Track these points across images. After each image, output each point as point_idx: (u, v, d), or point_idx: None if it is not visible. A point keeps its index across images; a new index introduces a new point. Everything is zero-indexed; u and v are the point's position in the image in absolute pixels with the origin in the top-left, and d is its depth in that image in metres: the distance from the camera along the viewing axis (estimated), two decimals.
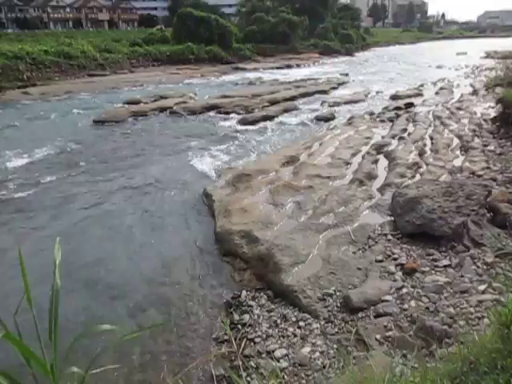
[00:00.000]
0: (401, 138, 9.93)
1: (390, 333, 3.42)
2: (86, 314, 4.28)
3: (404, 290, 3.95)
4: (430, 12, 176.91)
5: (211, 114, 14.99)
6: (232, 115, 14.42)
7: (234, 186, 7.24)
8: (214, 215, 6.25)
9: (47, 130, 12.83)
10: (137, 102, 16.70)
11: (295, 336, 3.66)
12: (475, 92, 17.28)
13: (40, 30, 56.71)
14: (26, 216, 6.70)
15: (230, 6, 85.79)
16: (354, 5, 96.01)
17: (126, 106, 16.18)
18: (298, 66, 37.55)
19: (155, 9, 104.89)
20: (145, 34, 41.74)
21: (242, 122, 13.22)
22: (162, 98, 17.72)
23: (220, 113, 14.94)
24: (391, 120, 12.28)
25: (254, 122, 13.17)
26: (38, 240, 5.83)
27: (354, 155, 8.72)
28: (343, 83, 23.38)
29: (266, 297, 4.36)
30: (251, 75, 28.80)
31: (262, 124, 13.11)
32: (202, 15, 39.04)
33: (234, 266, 5.09)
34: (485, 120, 11.24)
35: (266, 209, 6.14)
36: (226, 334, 3.87)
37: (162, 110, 15.55)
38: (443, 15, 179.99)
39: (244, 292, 4.48)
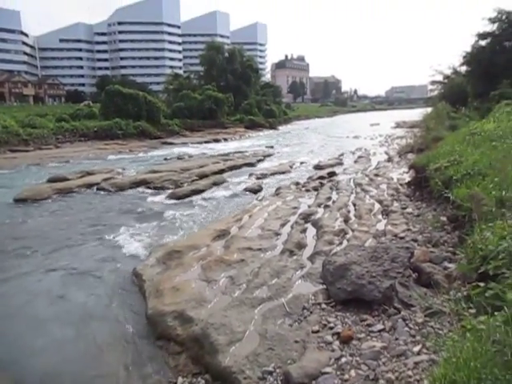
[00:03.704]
0: (326, 206, 10.35)
1: None
2: None
3: (343, 360, 3.92)
4: (344, 88, 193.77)
5: (140, 189, 14.82)
6: (161, 190, 14.35)
7: (164, 263, 7.04)
8: (145, 296, 5.98)
9: None
10: (62, 179, 16.12)
11: None
12: (390, 159, 18.71)
13: None
14: None
15: (158, 83, 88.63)
16: (275, 82, 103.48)
17: (51, 183, 15.57)
18: (226, 140, 38.85)
19: (83, 85, 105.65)
20: (72, 110, 41.50)
21: (172, 197, 13.18)
22: (88, 173, 17.33)
23: (149, 188, 14.82)
24: (316, 189, 12.84)
25: (183, 197, 13.17)
26: None
27: (283, 225, 8.91)
28: (269, 155, 24.39)
29: (203, 382, 4.13)
30: (180, 150, 29.25)
31: (191, 198, 13.13)
32: (130, 92, 39.81)
33: (167, 350, 4.81)
34: (401, 184, 12.06)
35: (199, 286, 6.00)
36: None
37: (89, 186, 15.15)
38: (356, 91, 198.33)
39: (180, 379, 4.21)
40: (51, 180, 16.06)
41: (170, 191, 13.95)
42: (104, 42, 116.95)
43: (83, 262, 7.82)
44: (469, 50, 32.18)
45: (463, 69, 33.82)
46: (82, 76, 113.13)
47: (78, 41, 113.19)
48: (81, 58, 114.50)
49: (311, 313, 4.98)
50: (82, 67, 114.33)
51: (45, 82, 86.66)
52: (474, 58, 31.31)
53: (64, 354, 4.94)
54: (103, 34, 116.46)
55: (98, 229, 10.06)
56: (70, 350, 5.01)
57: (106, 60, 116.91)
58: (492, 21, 30.86)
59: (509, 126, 11.60)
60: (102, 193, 14.40)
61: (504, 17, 30.41)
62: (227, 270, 6.49)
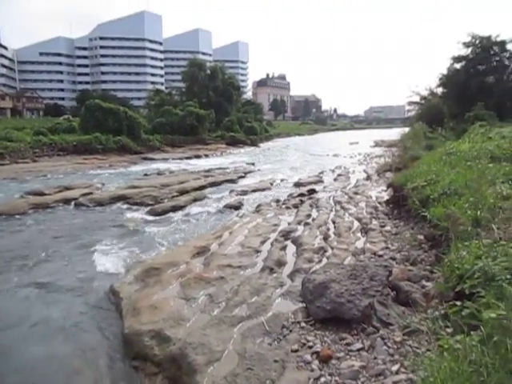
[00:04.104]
0: (306, 224, 10.38)
1: None
2: None
3: (322, 380, 3.89)
4: (324, 107, 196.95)
5: (119, 205, 14.63)
6: (141, 206, 14.19)
7: (142, 281, 6.92)
8: (122, 315, 5.85)
9: None
10: (39, 193, 15.82)
11: None
12: (369, 177, 18.95)
13: None
14: None
15: (139, 98, 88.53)
16: (256, 100, 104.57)
17: (27, 197, 15.25)
18: (207, 156, 38.88)
19: (63, 99, 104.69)
20: (51, 123, 40.98)
21: (151, 213, 13.04)
22: (66, 188, 17.04)
23: (128, 204, 14.63)
24: (296, 206, 12.89)
25: (163, 213, 13.05)
26: None
27: (263, 243, 8.90)
28: (250, 172, 24.47)
29: None
30: (160, 165, 29.10)
31: (171, 214, 13.03)
32: (111, 107, 39.62)
33: (144, 371, 4.70)
34: (379, 203, 12.20)
35: (178, 304, 5.90)
36: None
37: (67, 201, 14.86)
38: (335, 110, 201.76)
39: None
40: (27, 194, 15.73)
41: (149, 207, 13.81)
42: (85, 57, 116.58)
43: (58, 279, 7.63)
44: (445, 72, 33.27)
45: (439, 90, 34.90)
46: (62, 90, 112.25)
47: (59, 54, 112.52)
48: (61, 72, 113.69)
49: (291, 331, 4.95)
50: (62, 81, 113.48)
51: (23, 95, 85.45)
52: (449, 80, 32.35)
53: (34, 376, 4.78)
54: (84, 48, 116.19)
55: (75, 245, 9.87)
56: (41, 372, 4.85)
57: (86, 74, 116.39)
58: (466, 45, 32.02)
59: (483, 146, 11.92)
60: (81, 208, 14.16)
61: (477, 41, 31.58)
62: (206, 288, 6.42)
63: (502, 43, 31.34)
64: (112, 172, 25.67)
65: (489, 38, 31.37)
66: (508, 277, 3.33)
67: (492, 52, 31.64)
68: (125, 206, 14.41)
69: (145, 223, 11.98)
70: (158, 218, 12.65)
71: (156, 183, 18.15)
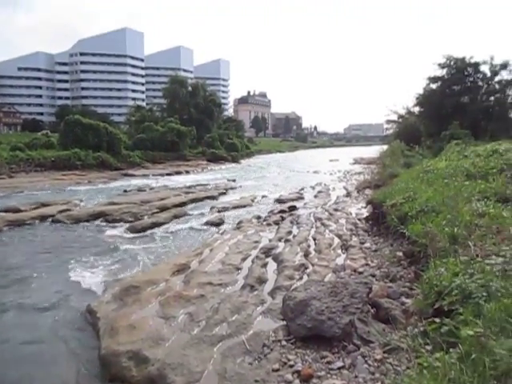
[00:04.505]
0: (287, 241, 10.39)
1: None
2: None
3: None
4: (304, 124, 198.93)
5: (98, 221, 14.41)
6: (120, 223, 14.00)
7: (121, 300, 6.78)
8: (99, 335, 5.70)
9: None
10: (15, 210, 15.47)
11: None
12: (349, 194, 19.14)
13: None
14: None
15: (120, 114, 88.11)
16: (237, 117, 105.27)
17: (1, 214, 14.88)
18: (188, 172, 38.78)
19: (41, 114, 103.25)
20: (28, 139, 40.36)
21: (131, 230, 12.87)
22: (43, 205, 16.72)
23: (107, 221, 14.41)
24: (277, 223, 12.91)
25: (143, 230, 12.89)
26: None
27: (244, 260, 8.86)
28: (231, 188, 24.45)
29: None
30: (140, 181, 28.90)
31: (151, 231, 12.88)
32: (91, 122, 39.35)
33: None
34: (359, 219, 12.33)
35: (157, 323, 5.80)
36: None
37: (44, 218, 14.59)
38: (315, 127, 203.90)
39: None
40: (2, 211, 15.37)
41: (129, 224, 13.63)
42: (65, 72, 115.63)
43: (33, 299, 7.42)
44: (421, 92, 34.15)
45: (416, 109, 35.76)
46: (41, 105, 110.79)
47: (38, 69, 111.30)
48: (40, 87, 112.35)
49: (271, 350, 4.90)
50: (41, 96, 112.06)
51: (0, 110, 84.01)
52: (426, 99, 33.19)
53: None
54: (65, 63, 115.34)
55: (52, 263, 9.64)
56: None
57: (66, 90, 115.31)
58: (442, 66, 33.02)
59: (459, 164, 12.19)
60: (58, 225, 13.88)
61: (452, 63, 32.60)
62: (186, 307, 6.33)
63: (476, 65, 32.42)
64: (91, 188, 25.34)
65: (463, 59, 32.43)
66: (484, 294, 3.38)
67: (466, 73, 32.67)
68: (104, 223, 14.19)
69: (124, 240, 11.80)
70: (137, 235, 12.49)
71: (136, 200, 17.95)
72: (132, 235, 12.44)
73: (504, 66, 31.59)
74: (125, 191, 23.29)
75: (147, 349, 5.04)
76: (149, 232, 12.83)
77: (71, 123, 38.31)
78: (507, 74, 31.47)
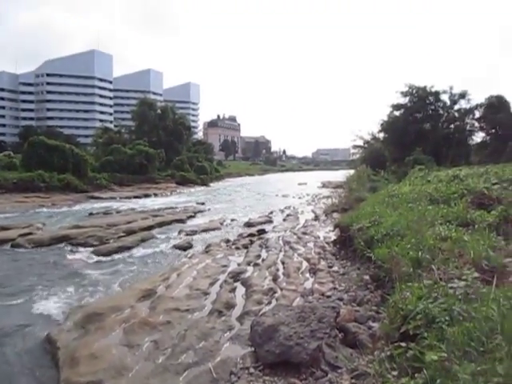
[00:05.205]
0: (256, 265, 10.35)
1: None
2: None
3: None
4: (273, 148, 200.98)
5: (62, 245, 13.92)
6: (85, 247, 13.56)
7: (83, 327, 6.51)
8: (59, 366, 5.43)
9: None
10: None
11: None
12: (317, 218, 19.30)
13: None
14: None
15: (87, 136, 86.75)
16: (207, 140, 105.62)
17: None
18: (156, 195, 38.36)
19: (4, 134, 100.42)
20: None
21: (96, 254, 12.48)
22: (3, 228, 16.03)
23: (71, 244, 13.93)
24: (246, 247, 12.85)
25: (108, 254, 12.53)
26: None
27: (212, 284, 8.74)
28: (200, 212, 24.27)
29: None
30: (107, 204, 28.36)
31: (117, 256, 12.55)
32: (56, 144, 38.55)
33: None
34: (327, 243, 12.41)
35: (120, 352, 5.59)
36: None
37: (3, 242, 13.97)
38: (284, 151, 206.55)
39: None
40: None
41: (94, 248, 13.24)
42: (30, 93, 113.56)
43: None
44: (385, 118, 35.43)
45: (381, 135, 37.01)
46: (4, 125, 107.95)
47: (1, 89, 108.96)
48: (3, 107, 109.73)
49: (239, 378, 4.80)
50: (3, 116, 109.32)
51: None
52: (390, 126, 34.42)
53: None
54: (30, 84, 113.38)
55: (10, 289, 9.18)
56: None
57: (31, 110, 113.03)
58: (404, 94, 34.43)
59: (423, 189, 12.57)
60: (18, 250, 13.34)
61: (414, 91, 34.07)
62: (152, 334, 6.15)
63: (436, 94, 34.03)
64: (55, 211, 24.64)
65: (424, 88, 33.98)
66: (447, 318, 3.44)
67: (428, 101, 34.22)
68: (67, 247, 13.73)
69: (88, 265, 11.44)
70: (102, 259, 12.14)
71: (102, 223, 17.52)
72: (97, 259, 12.09)
73: (462, 95, 33.34)
74: (90, 214, 22.73)
75: (109, 379, 4.84)
76: (114, 256, 12.50)
77: (35, 144, 37.38)
78: (465, 103, 33.24)
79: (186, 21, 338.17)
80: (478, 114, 33.07)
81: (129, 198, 34.50)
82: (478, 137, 33.78)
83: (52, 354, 5.91)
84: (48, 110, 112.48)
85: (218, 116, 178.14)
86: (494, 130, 31.92)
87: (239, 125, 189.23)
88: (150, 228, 17.34)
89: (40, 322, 7.32)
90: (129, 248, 13.48)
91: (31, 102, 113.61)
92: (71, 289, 9.20)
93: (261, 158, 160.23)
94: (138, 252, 13.18)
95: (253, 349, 5.43)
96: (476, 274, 4.35)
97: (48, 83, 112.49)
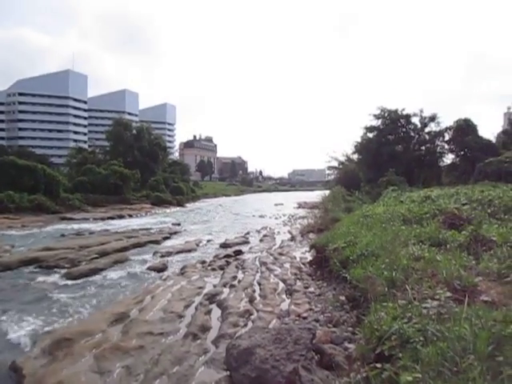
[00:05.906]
0: (232, 286, 10.25)
1: None
2: None
3: None
4: (250, 169, 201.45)
5: (31, 268, 13.47)
6: (55, 270, 13.16)
7: (51, 354, 6.25)
8: None
9: None
10: None
11: None
12: (293, 238, 19.34)
13: None
14: None
15: (60, 156, 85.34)
16: (183, 161, 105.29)
17: None
18: (131, 216, 37.77)
19: None
20: None
21: (67, 277, 12.10)
22: None
23: (41, 267, 13.49)
24: (222, 268, 12.73)
25: (80, 277, 12.16)
26: None
27: (187, 307, 8.58)
28: (175, 233, 24.00)
29: None
30: (80, 226, 27.74)
31: (89, 278, 12.18)
32: (27, 164, 37.74)
33: None
34: (303, 263, 12.43)
35: (90, 379, 5.39)
36: None
37: None
38: (261, 172, 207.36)
39: None
40: None
41: (65, 271, 12.85)
42: (1, 112, 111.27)
43: None
44: (359, 140, 36.16)
45: (355, 157, 37.69)
46: None
47: None
48: None
49: None
50: None
51: None
52: (363, 147, 35.13)
53: None
54: (1, 103, 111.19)
55: None
56: None
57: (2, 130, 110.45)
58: (377, 117, 35.34)
59: (396, 209, 12.78)
60: None
61: (386, 114, 35.02)
62: (124, 359, 5.96)
63: (407, 116, 35.05)
64: (25, 233, 23.92)
65: (396, 111, 34.96)
66: (421, 338, 3.45)
67: (399, 124, 35.17)
68: (37, 270, 13.29)
69: (59, 288, 11.08)
70: (74, 282, 11.77)
71: (74, 244, 17.08)
72: (68, 282, 11.71)
73: (432, 118, 34.42)
74: (62, 236, 22.15)
75: None
76: (87, 279, 12.13)
77: (5, 164, 36.52)
78: (435, 125, 34.31)
79: (162, 42, 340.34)
80: (447, 137, 34.07)
81: (103, 218, 33.85)
82: (448, 158, 34.76)
83: (17, 382, 5.65)
84: (20, 129, 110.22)
85: (195, 137, 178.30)
86: (462, 152, 32.87)
87: (216, 145, 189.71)
88: (123, 250, 16.99)
89: (6, 349, 7.00)
90: (102, 270, 13.14)
91: (1, 121, 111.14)
92: (40, 313, 8.87)
93: (237, 178, 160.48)
94: (111, 274, 12.85)
95: (228, 373, 5.33)
96: (448, 294, 4.41)
97: (20, 102, 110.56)
